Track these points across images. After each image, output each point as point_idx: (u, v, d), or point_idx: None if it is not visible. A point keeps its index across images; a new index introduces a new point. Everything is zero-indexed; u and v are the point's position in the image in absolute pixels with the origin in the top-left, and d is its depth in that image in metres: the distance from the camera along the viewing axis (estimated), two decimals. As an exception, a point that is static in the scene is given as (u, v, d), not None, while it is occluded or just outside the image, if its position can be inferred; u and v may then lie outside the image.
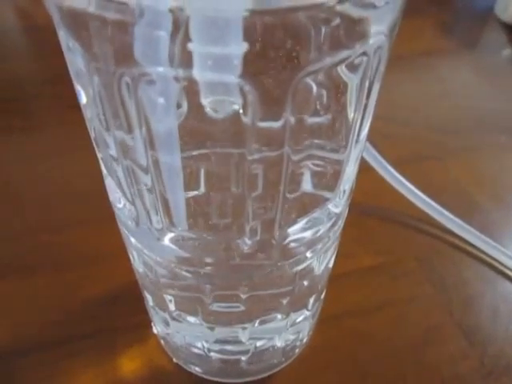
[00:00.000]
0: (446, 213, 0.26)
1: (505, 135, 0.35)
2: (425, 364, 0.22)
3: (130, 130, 0.10)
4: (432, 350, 0.22)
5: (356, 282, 0.25)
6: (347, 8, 0.07)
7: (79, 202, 0.28)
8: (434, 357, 0.22)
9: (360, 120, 0.12)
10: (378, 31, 0.09)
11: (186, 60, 0.08)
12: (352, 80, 0.10)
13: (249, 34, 0.08)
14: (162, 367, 0.21)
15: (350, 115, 0.12)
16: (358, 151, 0.14)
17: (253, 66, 0.08)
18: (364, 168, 0.27)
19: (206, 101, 0.09)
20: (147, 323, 0.22)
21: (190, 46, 0.08)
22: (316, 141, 0.12)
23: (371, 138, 0.29)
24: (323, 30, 0.07)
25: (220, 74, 0.08)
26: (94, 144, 0.13)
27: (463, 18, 0.50)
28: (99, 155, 0.13)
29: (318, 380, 0.21)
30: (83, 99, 0.12)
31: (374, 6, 0.08)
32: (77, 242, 0.26)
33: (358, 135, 0.13)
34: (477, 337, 0.23)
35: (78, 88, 0.11)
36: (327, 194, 0.14)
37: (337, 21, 0.07)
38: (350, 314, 0.23)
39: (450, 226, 0.26)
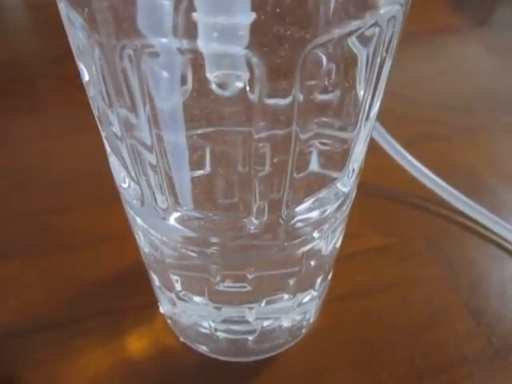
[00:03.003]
0: (455, 192, 0.26)
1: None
2: (432, 344, 0.22)
3: (133, 108, 0.10)
4: (439, 331, 0.22)
5: (363, 262, 0.25)
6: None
7: (86, 183, 0.28)
8: (441, 337, 0.22)
9: (370, 97, 0.12)
10: (393, 0, 0.08)
11: (191, 31, 0.07)
12: (363, 53, 0.10)
13: (256, 4, 0.07)
14: (169, 346, 0.21)
15: (360, 92, 0.11)
16: (367, 130, 0.13)
17: (260, 38, 0.08)
18: (372, 147, 0.27)
19: (211, 75, 0.09)
20: (154, 303, 0.22)
21: (195, 15, 0.07)
22: (325, 119, 0.12)
23: (380, 117, 0.29)
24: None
25: (226, 45, 0.07)
26: (98, 122, 0.13)
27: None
28: (103, 134, 0.13)
29: (324, 359, 0.21)
30: (86, 76, 0.11)
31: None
32: (84, 223, 0.26)
33: (368, 113, 0.13)
34: (484, 317, 0.23)
35: (81, 65, 0.11)
36: (335, 174, 0.14)
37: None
38: (357, 295, 0.23)
39: (458, 205, 0.26)
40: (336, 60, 0.09)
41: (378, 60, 0.10)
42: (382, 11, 0.08)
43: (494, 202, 0.27)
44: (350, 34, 0.08)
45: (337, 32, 0.08)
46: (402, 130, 0.31)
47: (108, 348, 0.22)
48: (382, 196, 0.28)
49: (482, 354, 0.22)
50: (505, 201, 0.28)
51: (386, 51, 0.10)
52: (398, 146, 0.27)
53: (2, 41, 0.40)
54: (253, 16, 0.07)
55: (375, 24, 0.08)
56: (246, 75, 0.08)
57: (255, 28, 0.07)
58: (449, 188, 0.26)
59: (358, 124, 0.13)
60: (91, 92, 0.12)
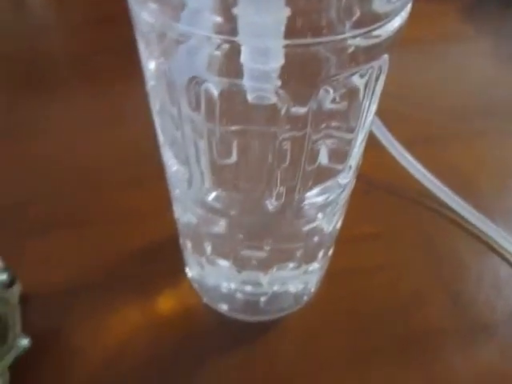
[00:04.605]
0: (445, 189, 0.29)
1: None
2: (414, 319, 0.25)
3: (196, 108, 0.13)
4: (421, 308, 0.26)
5: (361, 245, 0.28)
6: (357, 40, 0.11)
7: (120, 166, 0.32)
8: (422, 313, 0.26)
9: (366, 109, 0.15)
10: (383, 51, 0.12)
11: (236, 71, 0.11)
12: (360, 82, 0.13)
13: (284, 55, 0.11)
14: (193, 306, 0.25)
15: (360, 105, 0.15)
16: (364, 133, 0.17)
17: (286, 77, 0.11)
18: (375, 145, 0.30)
19: (250, 97, 0.12)
20: (181, 269, 0.26)
21: (242, 60, 0.11)
22: (334, 123, 0.15)
23: (385, 118, 0.32)
24: (341, 56, 0.11)
25: (261, 83, 0.11)
26: (157, 116, 0.16)
27: (484, 4, 0.51)
28: (158, 126, 0.17)
29: (321, 324, 0.25)
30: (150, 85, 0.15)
31: (378, 37, 0.11)
32: (117, 200, 0.30)
33: (365, 121, 0.16)
34: (461, 300, 0.26)
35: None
36: (338, 167, 0.17)
37: (351, 48, 0.11)
38: (353, 273, 0.27)
39: (447, 201, 0.29)
40: (342, 87, 0.13)
41: (372, 85, 0.14)
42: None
43: (479, 200, 0.31)
44: (351, 75, 0.12)
45: (342, 75, 0.11)
46: (404, 131, 0.34)
47: (140, 307, 0.26)
48: (380, 188, 0.31)
49: (456, 330, 0.25)
50: (489, 199, 0.31)
51: (377, 80, 0.14)
52: (397, 145, 0.30)
53: (31, 34, 0.44)
54: (281, 61, 0.11)
55: (370, 67, 0.12)
56: (274, 98, 0.12)
57: (283, 70, 0.11)
58: (440, 185, 0.29)
59: (357, 129, 0.16)
60: (155, 101, 0.15)
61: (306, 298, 0.25)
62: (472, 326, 0.26)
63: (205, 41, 0.11)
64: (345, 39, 0.10)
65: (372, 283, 0.27)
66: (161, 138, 0.17)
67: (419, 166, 0.30)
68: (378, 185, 0.32)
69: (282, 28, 0.10)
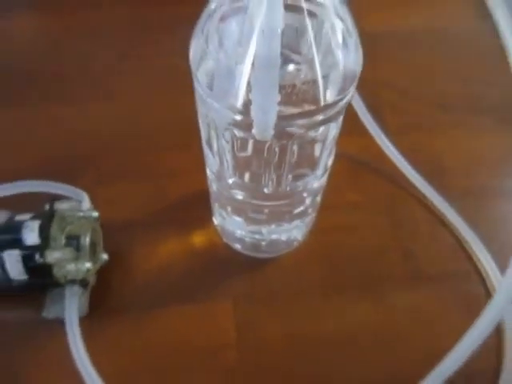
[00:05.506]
0: (411, 170, 0.38)
1: (493, 116, 0.43)
2: (373, 268, 0.34)
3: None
4: (379, 259, 0.35)
5: (342, 210, 0.37)
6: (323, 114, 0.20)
7: (176, 129, 0.40)
8: (380, 263, 0.35)
9: (328, 132, 0.24)
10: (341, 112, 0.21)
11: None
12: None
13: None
14: (216, 243, 0.35)
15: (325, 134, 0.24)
16: (329, 141, 0.25)
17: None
18: (363, 132, 0.38)
19: (257, 137, 0.21)
20: (208, 217, 0.36)
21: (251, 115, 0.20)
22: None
23: (378, 107, 0.39)
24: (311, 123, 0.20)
25: (264, 132, 0.20)
26: (200, 119, 0.26)
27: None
28: (201, 125, 0.26)
29: (306, 260, 0.35)
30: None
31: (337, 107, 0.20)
32: (171, 160, 0.39)
33: (328, 135, 0.25)
34: (410, 257, 0.35)
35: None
36: (313, 165, 0.27)
37: (320, 117, 0.20)
38: (333, 230, 0.36)
39: (412, 180, 0.38)
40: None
41: (332, 125, 0.23)
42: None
43: (445, 181, 0.38)
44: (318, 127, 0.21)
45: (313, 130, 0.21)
46: (393, 119, 0.41)
47: (180, 241, 0.36)
48: (362, 167, 0.40)
49: (403, 278, 0.34)
50: (454, 183, 0.38)
51: (336, 122, 0.23)
52: (382, 134, 0.38)
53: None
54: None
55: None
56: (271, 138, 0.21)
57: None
58: (407, 166, 0.37)
59: (322, 139, 0.25)
60: (197, 102, 0.25)
61: (295, 243, 0.35)
62: (415, 277, 0.35)
63: (230, 114, 0.20)
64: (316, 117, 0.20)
65: (346, 238, 0.36)
66: (202, 134, 0.27)
67: (394, 150, 0.38)
68: (362, 164, 0.40)
69: (276, 107, 0.19)
